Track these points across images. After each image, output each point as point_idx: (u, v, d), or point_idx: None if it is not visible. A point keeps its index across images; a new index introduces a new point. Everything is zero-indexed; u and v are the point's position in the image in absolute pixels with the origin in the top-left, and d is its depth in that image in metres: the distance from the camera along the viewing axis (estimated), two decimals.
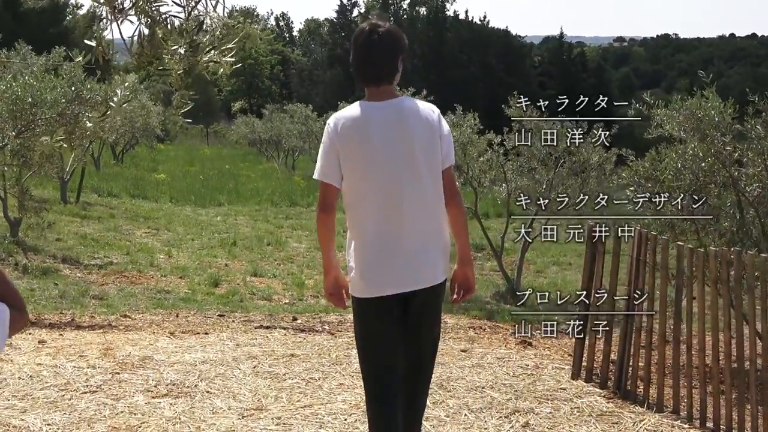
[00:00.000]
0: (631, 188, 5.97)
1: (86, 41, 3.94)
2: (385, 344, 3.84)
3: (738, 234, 5.49)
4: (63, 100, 8.13)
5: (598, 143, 9.62)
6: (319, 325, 7.76)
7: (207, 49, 3.67)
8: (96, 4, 3.55)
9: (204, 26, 3.72)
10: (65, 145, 6.91)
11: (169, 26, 3.60)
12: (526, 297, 10.45)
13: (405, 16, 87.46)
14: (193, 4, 3.64)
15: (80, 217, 14.43)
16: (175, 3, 3.64)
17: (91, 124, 7.55)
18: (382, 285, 3.76)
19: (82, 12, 63.98)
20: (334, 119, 3.80)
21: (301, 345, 6.51)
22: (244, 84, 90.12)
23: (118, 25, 3.75)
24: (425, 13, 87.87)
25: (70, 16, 59.08)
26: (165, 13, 3.64)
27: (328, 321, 8.11)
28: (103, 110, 8.79)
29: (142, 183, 21.47)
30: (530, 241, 10.78)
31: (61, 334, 6.61)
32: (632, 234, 5.31)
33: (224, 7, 5.83)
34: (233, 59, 3.76)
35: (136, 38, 3.62)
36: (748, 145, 5.52)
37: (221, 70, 3.84)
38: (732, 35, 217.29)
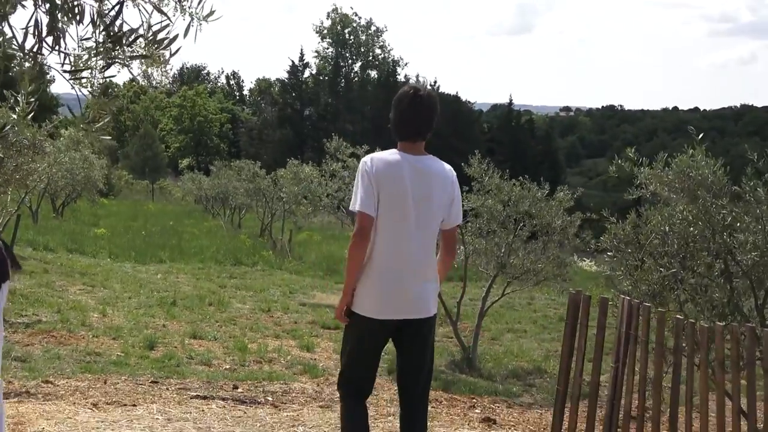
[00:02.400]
0: (609, 254, 5.46)
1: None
2: (369, 356, 4.48)
3: (729, 306, 4.99)
4: None
5: (564, 205, 9.21)
6: (262, 395, 7.10)
7: (131, 39, 3.01)
8: None
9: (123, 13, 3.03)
10: None
11: (77, 11, 2.93)
12: (482, 366, 9.97)
13: (356, 79, 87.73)
14: None
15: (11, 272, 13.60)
16: None
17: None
18: (380, 310, 4.31)
19: (27, 64, 63.11)
20: (370, 158, 4.34)
21: (241, 421, 5.85)
22: (192, 141, 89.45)
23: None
24: (376, 76, 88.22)
25: (15, 68, 58.15)
26: None
27: (272, 390, 7.47)
28: (30, 155, 8.25)
29: (81, 237, 20.62)
30: (487, 307, 10.28)
31: None
32: (615, 304, 4.75)
33: None
34: (169, 51, 3.10)
35: (31, 29, 2.94)
36: (745, 209, 5.03)
37: (154, 69, 3.18)
38: (675, 108, 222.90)
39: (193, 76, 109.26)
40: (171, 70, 3.15)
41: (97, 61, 2.94)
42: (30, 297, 11.59)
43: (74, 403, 6.02)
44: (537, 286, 11.92)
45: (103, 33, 2.93)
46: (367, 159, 4.33)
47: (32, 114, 4.17)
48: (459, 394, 8.21)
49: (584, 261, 24.44)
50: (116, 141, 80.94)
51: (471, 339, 10.50)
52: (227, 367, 8.87)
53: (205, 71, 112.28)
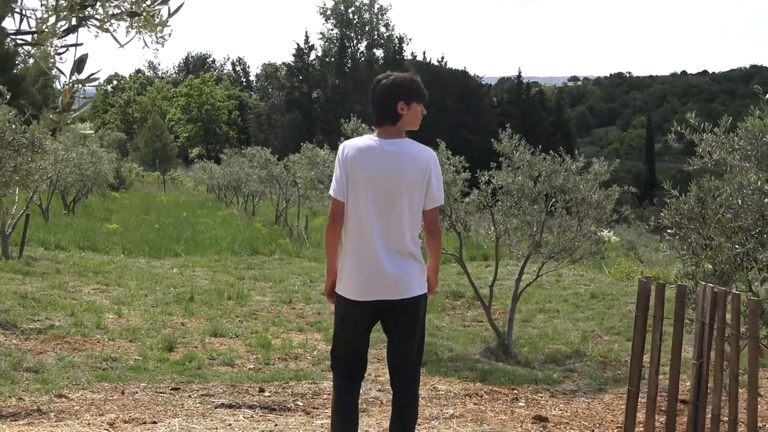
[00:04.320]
0: (670, 231, 4.90)
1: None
2: (352, 336, 4.58)
3: None
4: None
5: (599, 178, 8.65)
6: (291, 399, 6.62)
7: None
8: None
9: None
10: None
11: None
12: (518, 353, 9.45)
13: (362, 59, 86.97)
14: None
15: (22, 274, 13.10)
16: None
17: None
18: (358, 291, 4.44)
19: (32, 60, 62.78)
20: (343, 145, 4.53)
21: None
22: (201, 130, 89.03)
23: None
24: (382, 55, 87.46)
25: (21, 65, 57.69)
26: None
27: (301, 393, 7.00)
28: (29, 155, 7.77)
29: (93, 234, 20.13)
30: (521, 289, 9.76)
31: None
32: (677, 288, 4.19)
33: None
34: (167, 9, 2.47)
35: None
36: None
37: (148, 33, 2.54)
38: (684, 72, 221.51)
39: (198, 64, 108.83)
40: (170, 34, 2.52)
41: (64, 22, 2.30)
42: (42, 300, 11.11)
43: (89, 423, 5.51)
44: (573, 265, 11.39)
45: None
46: (341, 145, 4.55)
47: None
48: (498, 385, 7.71)
49: (602, 231, 23.96)
50: (125, 133, 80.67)
51: (504, 323, 10.01)
52: (251, 366, 8.41)
53: (211, 59, 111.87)
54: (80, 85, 2.70)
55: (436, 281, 4.76)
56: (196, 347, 9.09)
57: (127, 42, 2.55)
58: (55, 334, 9.25)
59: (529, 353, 9.65)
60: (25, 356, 8.07)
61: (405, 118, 4.47)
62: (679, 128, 5.03)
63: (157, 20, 2.42)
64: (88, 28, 2.33)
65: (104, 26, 2.28)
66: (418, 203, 4.43)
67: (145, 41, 2.48)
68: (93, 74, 2.63)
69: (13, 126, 7.00)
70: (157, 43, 2.56)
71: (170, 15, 2.54)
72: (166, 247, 18.70)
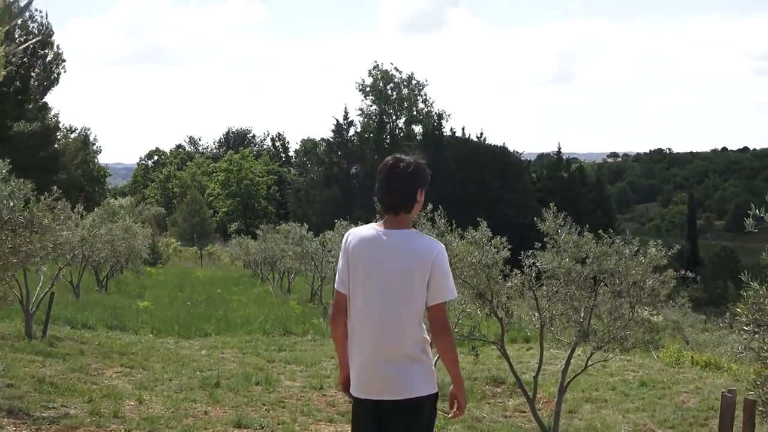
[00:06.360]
0: (746, 328, 4.24)
1: None
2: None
3: None
4: None
5: (655, 263, 7.99)
6: None
7: None
8: None
9: None
10: None
11: None
12: None
13: (401, 135, 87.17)
14: None
15: (43, 356, 12.57)
16: None
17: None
18: (358, 387, 4.32)
19: (73, 135, 63.37)
20: (348, 233, 4.41)
21: None
22: (240, 205, 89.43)
23: None
24: (421, 130, 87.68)
25: (62, 140, 58.30)
26: None
27: None
28: (26, 235, 7.31)
29: (123, 312, 19.66)
30: (569, 381, 9.05)
31: None
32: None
33: None
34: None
35: None
36: None
37: None
38: (724, 149, 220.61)
39: (238, 139, 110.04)
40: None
41: None
42: (60, 385, 10.54)
43: None
44: (625, 354, 10.66)
45: None
46: (347, 234, 4.43)
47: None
48: None
49: (645, 310, 23.15)
50: (164, 208, 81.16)
51: (548, 413, 9.29)
52: None
53: (251, 134, 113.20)
54: None
55: (463, 397, 4.40)
56: None
57: None
58: (68, 424, 8.65)
59: None
60: None
61: (418, 206, 4.37)
62: (757, 211, 4.39)
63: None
64: None
65: None
66: (417, 300, 4.19)
67: None
68: None
69: (11, 204, 6.54)
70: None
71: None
72: (196, 327, 18.17)
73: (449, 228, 9.46)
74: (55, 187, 9.85)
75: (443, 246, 4.31)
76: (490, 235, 9.06)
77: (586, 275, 8.25)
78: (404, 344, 4.17)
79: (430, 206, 11.08)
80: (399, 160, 4.34)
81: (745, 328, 4.25)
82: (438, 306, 4.20)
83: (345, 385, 4.46)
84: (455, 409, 4.44)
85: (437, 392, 4.29)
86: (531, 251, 8.44)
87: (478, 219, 8.80)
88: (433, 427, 4.50)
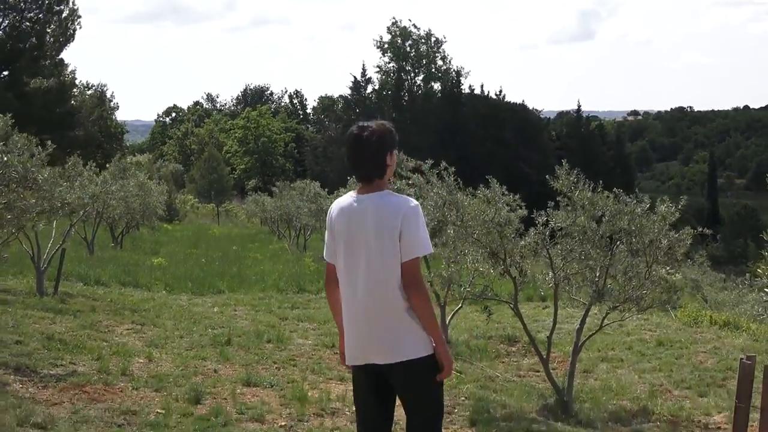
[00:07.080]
0: (767, 288, 4.04)
1: None
2: (360, 406, 4.42)
3: None
4: None
5: (668, 220, 7.75)
6: None
7: None
8: None
9: None
10: None
11: None
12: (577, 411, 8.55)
13: (419, 92, 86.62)
14: None
15: (54, 312, 12.47)
16: None
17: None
18: (349, 355, 4.37)
19: (90, 92, 63.32)
20: (332, 205, 4.43)
21: None
22: (257, 162, 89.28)
23: None
24: (440, 87, 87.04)
25: (78, 96, 58.22)
26: None
27: None
28: (20, 191, 7.15)
29: (137, 269, 19.60)
30: (583, 341, 8.87)
31: None
32: None
33: None
34: None
35: None
36: None
37: None
38: (746, 107, 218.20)
39: (256, 96, 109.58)
40: None
41: None
42: (69, 342, 10.44)
43: None
44: (642, 314, 10.46)
45: None
46: (331, 206, 4.47)
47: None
48: None
49: (662, 269, 22.88)
50: (182, 165, 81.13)
51: (563, 373, 9.13)
52: (282, 423, 7.64)
53: (269, 91, 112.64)
54: None
55: (446, 355, 4.28)
56: (225, 399, 8.33)
57: None
58: (75, 381, 8.54)
59: (591, 411, 8.74)
60: (35, 409, 7.36)
61: (390, 169, 4.36)
62: None
63: None
64: None
65: None
66: (393, 258, 4.16)
67: None
68: None
69: (5, 159, 6.35)
70: None
71: None
72: (209, 284, 18.08)
73: (458, 186, 9.25)
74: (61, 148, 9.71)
75: (417, 204, 4.26)
76: (504, 192, 8.85)
77: (602, 234, 8.03)
78: (388, 305, 4.16)
79: (443, 164, 10.89)
80: (363, 129, 4.36)
81: (766, 289, 4.06)
82: (409, 262, 4.16)
83: (344, 356, 4.46)
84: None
85: (433, 354, 4.23)
86: (543, 210, 8.22)
87: (487, 177, 8.58)
88: (442, 387, 4.39)
